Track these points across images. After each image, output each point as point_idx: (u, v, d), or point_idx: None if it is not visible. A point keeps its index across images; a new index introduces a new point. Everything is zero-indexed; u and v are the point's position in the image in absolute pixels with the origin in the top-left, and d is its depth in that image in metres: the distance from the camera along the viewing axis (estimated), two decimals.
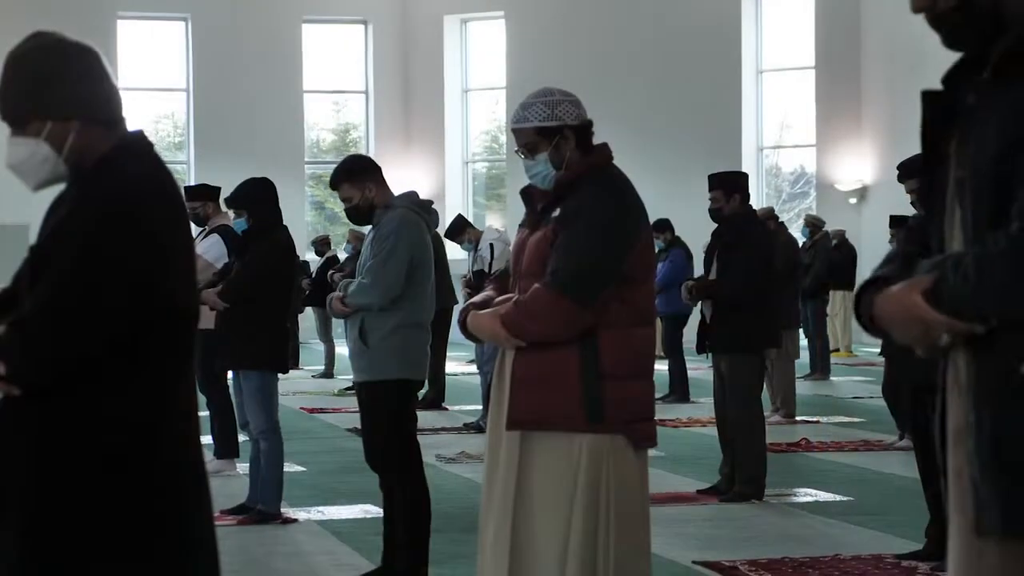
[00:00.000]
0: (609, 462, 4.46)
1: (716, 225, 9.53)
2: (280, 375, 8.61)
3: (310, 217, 27.64)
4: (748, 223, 9.45)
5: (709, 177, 9.57)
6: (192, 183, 26.07)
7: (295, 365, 17.76)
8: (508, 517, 4.52)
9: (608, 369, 4.45)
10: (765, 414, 13.28)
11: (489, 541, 4.57)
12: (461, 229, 14.05)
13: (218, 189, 10.72)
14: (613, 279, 4.44)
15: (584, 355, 4.43)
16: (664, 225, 15.59)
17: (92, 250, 3.03)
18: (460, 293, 13.97)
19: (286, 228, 8.70)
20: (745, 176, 9.86)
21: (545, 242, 4.48)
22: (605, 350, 4.44)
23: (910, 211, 7.64)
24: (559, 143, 4.52)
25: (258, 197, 8.65)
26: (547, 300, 4.40)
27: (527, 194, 4.68)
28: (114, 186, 3.09)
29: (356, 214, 6.95)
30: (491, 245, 13.54)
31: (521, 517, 4.51)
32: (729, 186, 9.41)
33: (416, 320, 6.70)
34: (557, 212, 4.49)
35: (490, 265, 13.15)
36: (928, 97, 2.70)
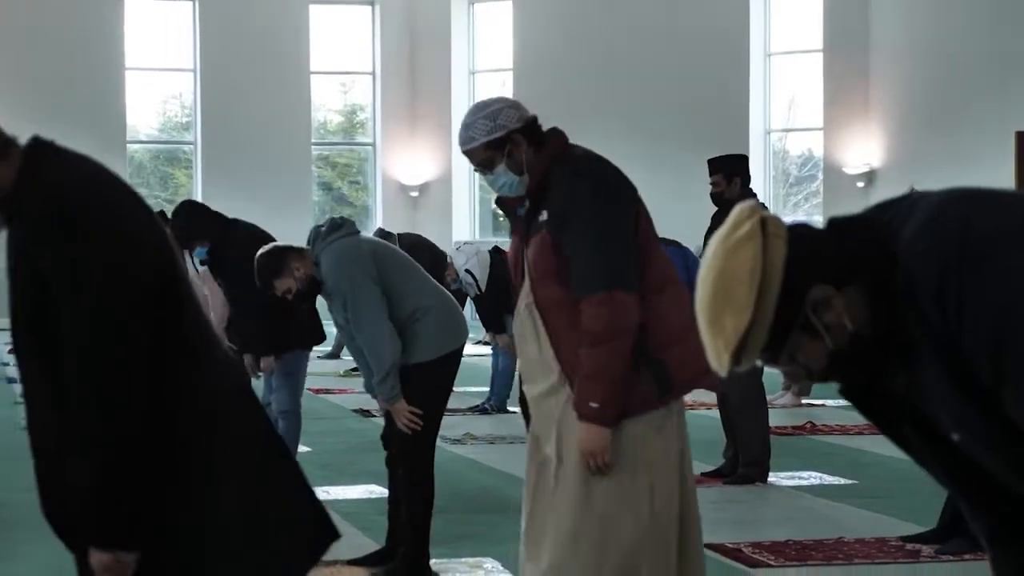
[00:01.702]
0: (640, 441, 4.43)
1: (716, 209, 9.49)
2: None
3: (317, 198, 27.62)
4: None
5: (709, 161, 9.50)
6: (199, 165, 26.15)
7: None
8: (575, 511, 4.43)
9: (654, 342, 4.36)
10: (776, 393, 13.39)
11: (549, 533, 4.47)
12: (439, 270, 13.95)
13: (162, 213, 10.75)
14: (635, 255, 4.35)
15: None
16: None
17: (77, 284, 2.99)
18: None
19: (235, 221, 8.71)
20: (746, 159, 9.76)
21: (546, 248, 4.38)
22: (644, 326, 4.35)
23: None
24: (511, 150, 4.46)
25: (199, 223, 8.59)
26: (601, 306, 4.28)
27: (502, 202, 4.62)
28: (47, 208, 3.03)
29: (304, 296, 6.83)
30: (468, 271, 13.58)
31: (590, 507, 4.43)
32: (730, 170, 9.34)
33: (424, 304, 6.61)
34: (544, 216, 4.40)
35: (478, 287, 13.19)
36: (846, 395, 2.72)
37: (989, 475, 2.63)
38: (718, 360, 2.57)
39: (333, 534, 3.26)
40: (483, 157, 4.49)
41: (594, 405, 4.31)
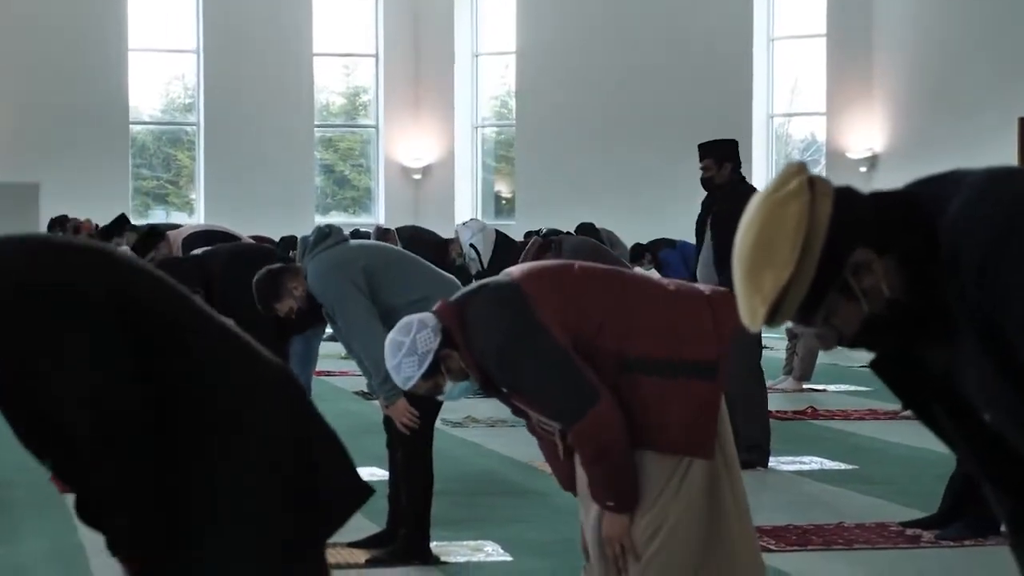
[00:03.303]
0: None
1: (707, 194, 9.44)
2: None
3: (319, 181, 27.60)
4: (739, 193, 9.29)
5: (700, 146, 9.43)
6: (202, 146, 26.13)
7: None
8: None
9: (660, 357, 4.37)
10: (778, 379, 13.39)
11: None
12: (444, 251, 13.87)
13: (141, 227, 10.73)
14: (580, 367, 4.31)
15: (653, 369, 4.36)
16: (639, 253, 15.60)
17: (58, 399, 2.96)
18: None
19: (207, 254, 8.77)
20: (736, 144, 9.64)
21: (529, 404, 4.47)
22: (644, 348, 4.36)
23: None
24: (446, 365, 4.47)
25: (181, 281, 8.62)
26: (584, 432, 4.31)
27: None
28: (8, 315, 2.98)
29: (306, 313, 6.80)
30: (472, 247, 13.54)
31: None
32: (720, 154, 9.28)
33: (423, 295, 6.56)
34: (503, 388, 4.46)
35: (481, 263, 13.15)
36: (877, 370, 2.69)
37: (1017, 457, 2.62)
38: (752, 315, 2.52)
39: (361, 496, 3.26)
40: (428, 387, 4.53)
41: (611, 504, 4.39)
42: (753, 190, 9.66)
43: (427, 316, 4.50)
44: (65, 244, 3.14)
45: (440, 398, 4.62)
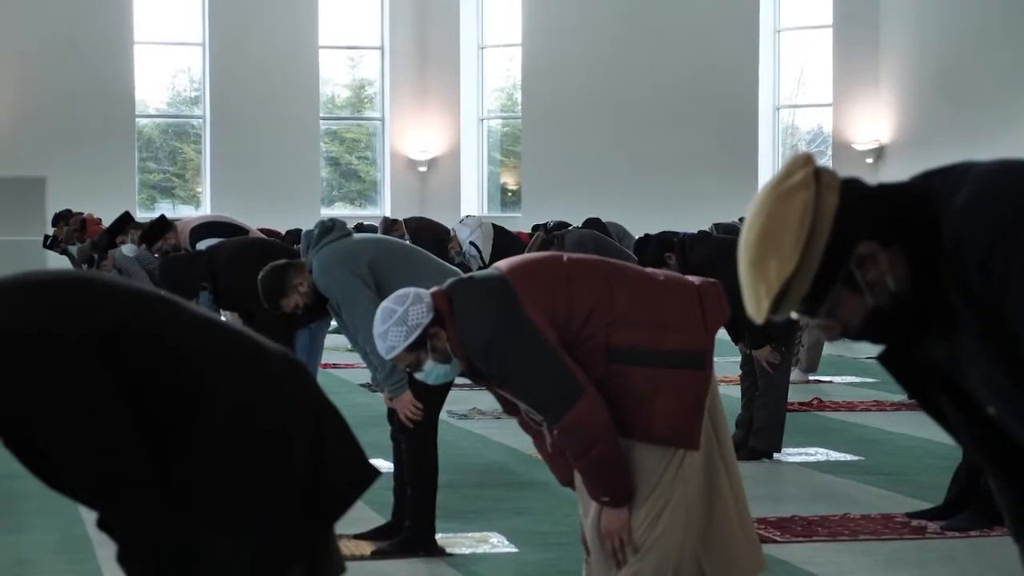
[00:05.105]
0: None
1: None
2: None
3: (325, 173, 27.59)
4: (691, 261, 9.01)
5: (668, 253, 9.15)
6: (208, 139, 26.14)
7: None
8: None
9: (648, 348, 4.37)
10: None
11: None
12: (442, 246, 13.86)
13: (139, 219, 10.80)
14: (565, 362, 4.32)
15: (642, 363, 4.36)
16: (658, 256, 15.56)
17: (52, 437, 2.99)
18: None
19: (212, 249, 8.84)
20: (647, 240, 9.49)
21: (513, 394, 4.48)
22: (633, 338, 4.36)
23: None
24: (433, 343, 4.47)
25: (187, 275, 8.62)
26: (570, 427, 4.31)
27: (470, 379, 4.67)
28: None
29: (312, 309, 6.79)
30: (472, 244, 13.52)
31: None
32: (658, 257, 9.09)
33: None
34: (493, 381, 4.46)
35: (482, 259, 13.14)
36: (885, 363, 2.68)
37: (1021, 450, 2.62)
38: (757, 305, 2.52)
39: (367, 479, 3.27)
40: (409, 360, 4.53)
41: (605, 499, 4.39)
42: (705, 237, 9.51)
43: (423, 292, 4.51)
44: (47, 284, 3.14)
45: (418, 376, 4.60)
